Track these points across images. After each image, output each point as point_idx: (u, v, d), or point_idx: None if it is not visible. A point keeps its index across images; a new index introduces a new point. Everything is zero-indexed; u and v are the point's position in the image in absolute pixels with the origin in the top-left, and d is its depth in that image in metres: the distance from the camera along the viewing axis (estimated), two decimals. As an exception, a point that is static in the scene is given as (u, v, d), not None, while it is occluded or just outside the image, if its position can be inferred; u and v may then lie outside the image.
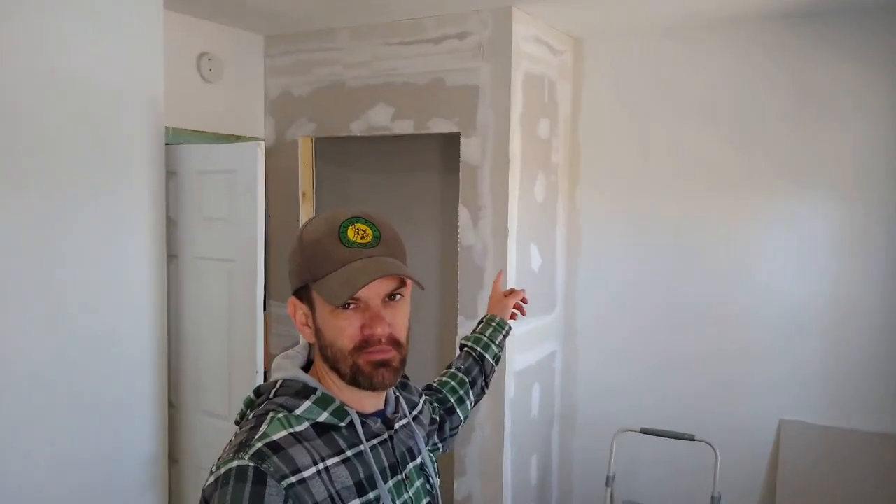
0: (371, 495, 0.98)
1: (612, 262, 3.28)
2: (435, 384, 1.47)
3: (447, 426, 1.39)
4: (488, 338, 1.59)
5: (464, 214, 2.93)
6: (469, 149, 2.90)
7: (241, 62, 3.27)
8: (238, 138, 3.24)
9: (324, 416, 0.98)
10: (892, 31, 2.67)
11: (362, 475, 0.98)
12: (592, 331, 3.35)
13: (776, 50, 2.87)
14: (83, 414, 2.31)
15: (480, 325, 1.63)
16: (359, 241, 0.98)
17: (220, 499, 0.87)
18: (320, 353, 1.02)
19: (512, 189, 2.84)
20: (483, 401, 2.89)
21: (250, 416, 1.00)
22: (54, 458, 2.23)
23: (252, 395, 1.04)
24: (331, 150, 3.69)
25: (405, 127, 3.03)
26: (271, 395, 1.01)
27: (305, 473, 0.92)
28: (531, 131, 2.97)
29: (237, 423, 1.04)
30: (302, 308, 1.03)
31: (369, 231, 0.99)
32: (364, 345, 0.97)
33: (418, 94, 2.99)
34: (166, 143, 2.59)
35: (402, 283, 1.01)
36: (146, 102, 2.42)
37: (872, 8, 2.68)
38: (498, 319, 1.66)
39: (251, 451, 0.91)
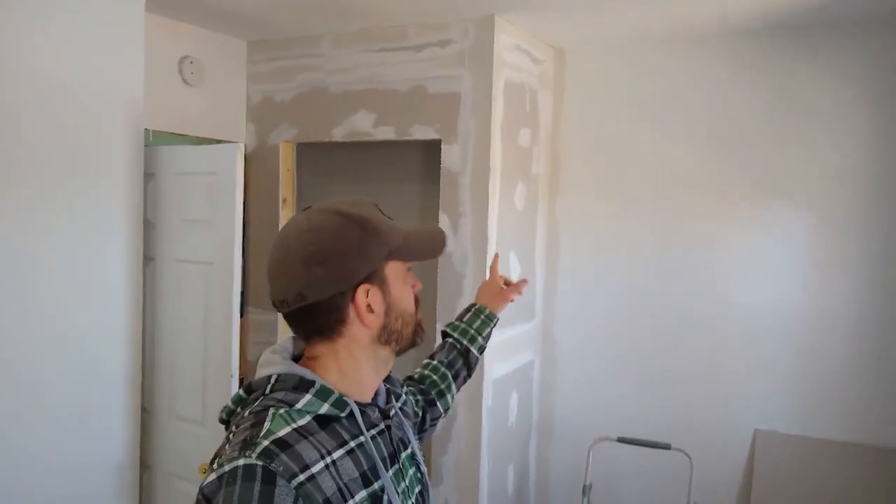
0: (376, 486, 0.98)
1: (591, 273, 3.30)
2: (416, 376, 1.45)
3: (427, 417, 1.38)
4: (476, 330, 1.55)
5: (444, 221, 2.93)
6: (450, 156, 2.90)
7: (223, 66, 3.26)
8: (219, 142, 3.22)
9: (325, 408, 0.97)
10: (872, 47, 2.73)
11: (366, 466, 0.98)
12: (571, 341, 3.36)
13: (758, 62, 2.91)
14: (54, 418, 2.26)
15: (468, 316, 1.58)
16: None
17: (227, 498, 0.84)
18: (380, 335, 1.04)
19: (492, 197, 2.85)
20: (460, 409, 2.88)
21: (246, 414, 0.96)
22: (23, 463, 2.18)
23: (242, 393, 1.01)
24: (312, 159, 3.69)
25: (386, 133, 3.04)
26: (267, 391, 0.98)
27: (314, 469, 0.90)
28: (512, 140, 2.99)
29: (223, 421, 1.02)
30: (372, 293, 1.01)
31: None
32: (417, 302, 1.09)
33: (400, 101, 3.00)
34: (146, 146, 2.57)
35: None
36: (125, 105, 2.40)
37: (852, 23, 2.73)
38: (487, 311, 1.60)
39: (258, 450, 0.88)
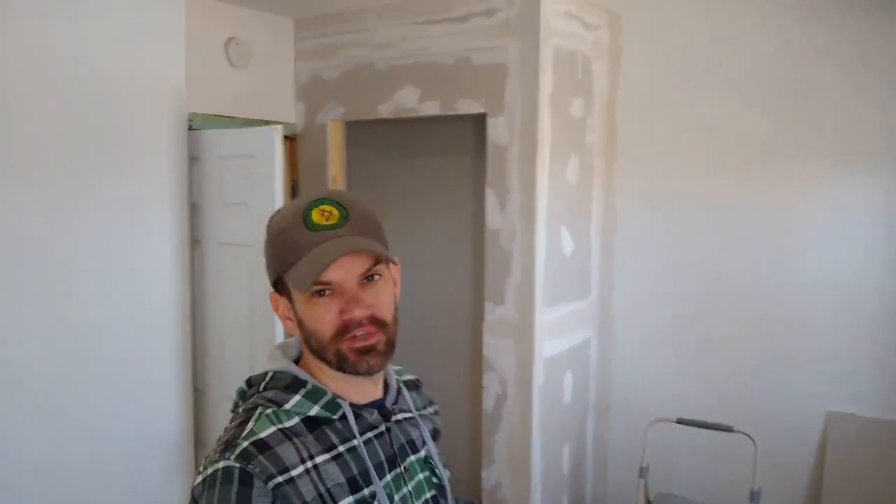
0: (366, 492, 0.94)
1: (650, 245, 3.15)
2: None
3: None
4: None
5: (491, 197, 2.85)
6: (496, 129, 2.81)
7: (270, 46, 3.26)
8: (266, 123, 3.22)
9: (315, 410, 0.96)
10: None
11: (356, 471, 0.95)
12: (630, 317, 3.23)
13: (828, 17, 2.67)
14: (112, 397, 2.35)
15: None
16: (324, 222, 0.94)
17: (208, 501, 0.86)
18: (306, 345, 0.99)
19: (541, 171, 2.74)
20: (510, 389, 2.83)
21: (240, 410, 0.98)
22: (85, 438, 2.28)
23: (244, 386, 1.02)
24: (362, 136, 3.65)
25: (432, 108, 2.97)
26: (261, 388, 0.98)
27: (293, 472, 0.89)
28: (563, 111, 2.86)
29: (233, 410, 1.02)
30: (282, 301, 0.99)
31: (335, 211, 0.95)
32: (344, 330, 0.94)
33: (445, 75, 2.92)
34: (193, 129, 2.60)
35: (378, 261, 0.97)
36: (168, 91, 2.44)
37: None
38: None
39: (237, 451, 0.88)
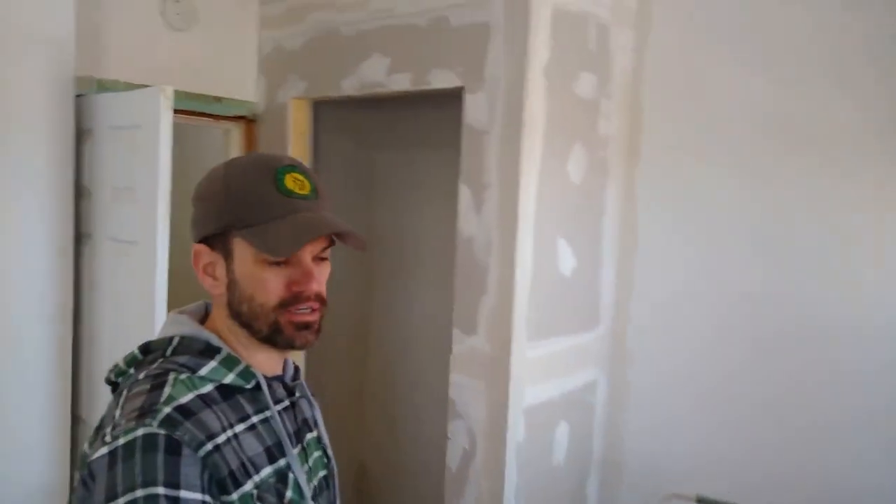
0: (281, 462, 0.92)
1: (680, 266, 2.45)
2: None
3: None
4: None
5: (465, 195, 2.23)
6: (474, 108, 2.19)
7: (225, 8, 2.73)
8: (218, 101, 2.71)
9: (230, 378, 0.91)
10: None
11: (270, 441, 0.92)
12: (649, 356, 2.53)
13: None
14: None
15: None
16: (298, 191, 0.91)
17: (126, 474, 0.76)
18: (229, 309, 0.93)
19: (527, 163, 2.11)
20: (479, 443, 2.19)
21: (141, 377, 0.88)
22: None
23: (137, 353, 0.93)
24: (339, 119, 3.08)
25: (401, 82, 2.37)
26: (168, 353, 0.91)
27: (219, 440, 0.84)
28: (564, 88, 2.22)
29: (111, 382, 0.94)
30: (211, 256, 0.93)
31: (307, 183, 0.93)
32: (289, 301, 0.91)
33: (417, 39, 2.32)
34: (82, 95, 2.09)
35: (331, 243, 0.95)
36: (45, 45, 1.93)
37: None
38: None
39: (160, 417, 0.80)
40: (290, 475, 0.91)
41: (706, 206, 2.38)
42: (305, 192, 0.91)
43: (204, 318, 0.99)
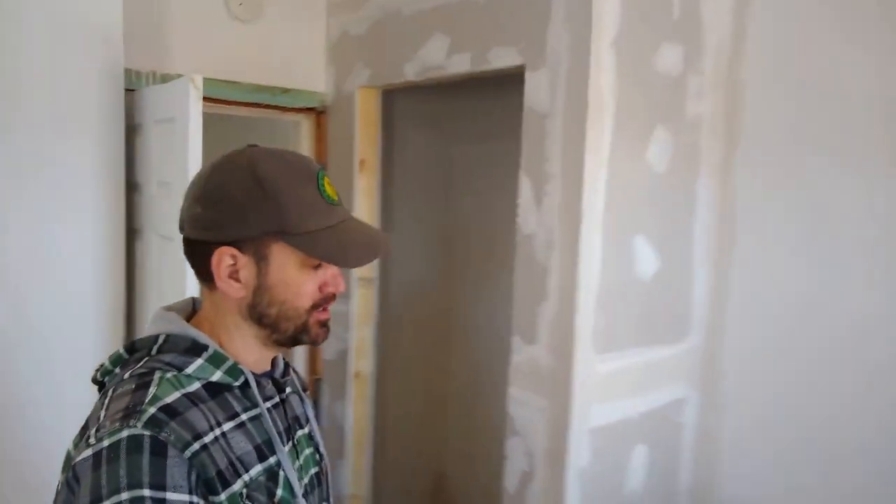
0: (272, 460, 0.91)
1: (788, 270, 2.08)
2: None
3: None
4: None
5: (525, 188, 2.00)
6: (534, 89, 1.95)
7: (290, -4, 2.65)
8: (286, 92, 2.63)
9: (217, 376, 0.89)
10: None
11: (260, 439, 0.90)
12: (750, 371, 2.17)
13: None
14: (18, 430, 1.89)
15: None
16: (335, 198, 0.92)
17: (110, 477, 0.75)
18: (249, 311, 0.91)
19: (593, 148, 1.84)
20: (538, 466, 1.97)
21: (126, 376, 0.86)
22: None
23: (122, 352, 0.91)
24: (413, 107, 2.92)
25: (461, 63, 2.17)
26: (153, 352, 0.89)
27: (206, 439, 0.82)
28: (640, 62, 1.92)
29: (97, 381, 0.92)
30: (242, 260, 0.89)
31: (334, 189, 0.93)
32: (321, 303, 0.93)
33: (476, 16, 2.11)
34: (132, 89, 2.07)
35: None
36: (92, 37, 1.91)
37: None
38: None
39: (144, 418, 0.79)
40: (281, 473, 0.91)
41: (822, 206, 1.98)
42: (337, 198, 0.92)
43: (191, 314, 0.97)
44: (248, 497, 0.84)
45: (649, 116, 1.97)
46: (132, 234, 2.09)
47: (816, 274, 2.00)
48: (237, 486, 0.83)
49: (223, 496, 0.81)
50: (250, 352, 0.94)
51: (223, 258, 0.88)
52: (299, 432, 1.02)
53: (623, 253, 1.97)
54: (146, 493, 0.75)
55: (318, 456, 1.04)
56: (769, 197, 2.10)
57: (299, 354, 2.85)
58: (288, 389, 1.02)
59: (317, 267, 0.90)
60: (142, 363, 0.87)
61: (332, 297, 0.94)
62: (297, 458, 0.99)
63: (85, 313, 2.00)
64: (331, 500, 1.07)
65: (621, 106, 1.88)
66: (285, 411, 0.99)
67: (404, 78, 2.38)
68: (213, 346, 0.91)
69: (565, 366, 1.89)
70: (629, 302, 2.01)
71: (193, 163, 1.71)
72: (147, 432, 0.78)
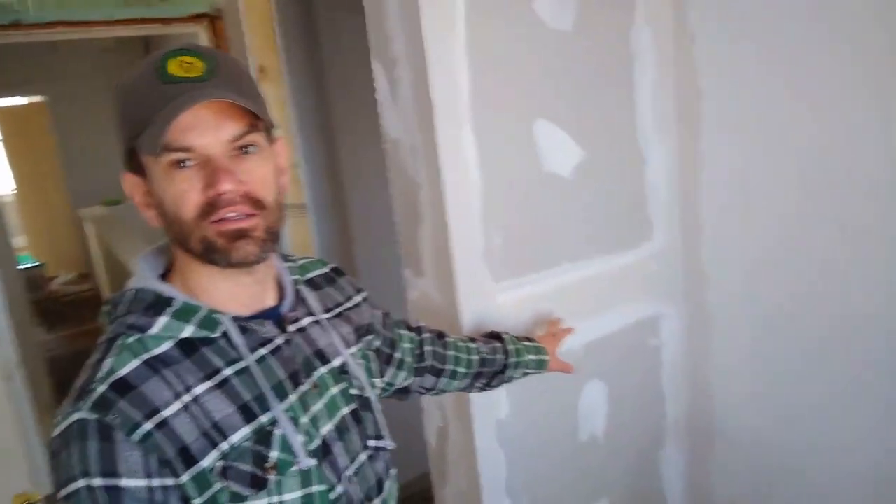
0: (263, 419, 0.79)
1: (782, 130, 1.49)
2: (434, 336, 1.21)
3: (411, 381, 1.15)
4: (523, 363, 1.32)
5: (380, 78, 1.52)
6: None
7: None
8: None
9: (189, 331, 0.79)
10: None
11: (248, 396, 0.79)
12: (739, 277, 1.64)
13: None
14: None
15: (530, 345, 1.34)
16: (184, 74, 0.75)
17: (66, 464, 0.71)
18: (171, 235, 0.80)
19: (435, 6, 1.33)
20: (450, 421, 1.61)
21: (98, 342, 0.80)
22: None
23: (104, 311, 0.83)
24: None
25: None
26: (119, 312, 0.80)
27: (166, 412, 0.74)
28: None
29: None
30: (137, 182, 0.81)
31: (198, 63, 0.76)
32: (210, 209, 0.76)
33: None
34: None
35: (254, 128, 0.78)
36: None
37: None
38: (545, 359, 1.36)
39: (93, 399, 0.73)
40: (276, 433, 0.80)
41: (807, 44, 1.36)
42: (195, 73, 0.76)
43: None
44: (225, 471, 0.75)
45: (531, -51, 1.40)
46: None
47: (813, 151, 1.40)
48: (208, 460, 0.74)
49: (185, 477, 0.73)
50: (220, 290, 0.82)
51: (129, 186, 0.82)
52: (321, 370, 0.89)
53: (518, 147, 1.47)
54: (97, 482, 0.70)
55: (353, 390, 0.91)
56: (743, 31, 1.49)
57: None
58: (306, 321, 0.90)
59: (180, 164, 0.75)
60: (112, 326, 0.80)
61: (222, 200, 0.76)
62: (318, 399, 0.86)
63: None
64: (384, 433, 0.94)
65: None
66: (293, 353, 0.86)
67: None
68: (180, 297, 0.81)
69: (450, 301, 1.47)
70: (541, 208, 1.52)
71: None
72: (94, 416, 0.72)
